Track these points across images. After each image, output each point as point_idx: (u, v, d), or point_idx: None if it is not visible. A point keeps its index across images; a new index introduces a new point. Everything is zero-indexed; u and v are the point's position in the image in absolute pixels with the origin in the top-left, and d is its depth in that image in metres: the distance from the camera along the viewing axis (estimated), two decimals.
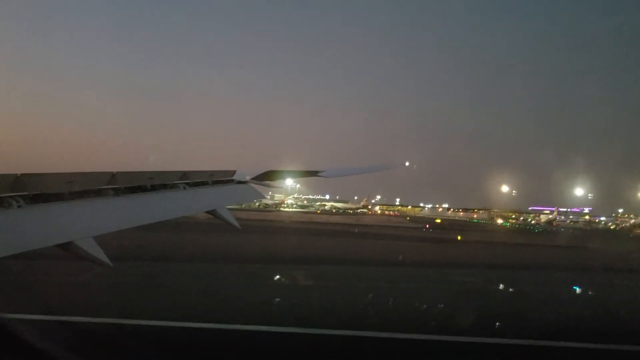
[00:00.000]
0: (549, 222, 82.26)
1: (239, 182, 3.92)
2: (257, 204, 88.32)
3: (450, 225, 60.32)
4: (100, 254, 2.45)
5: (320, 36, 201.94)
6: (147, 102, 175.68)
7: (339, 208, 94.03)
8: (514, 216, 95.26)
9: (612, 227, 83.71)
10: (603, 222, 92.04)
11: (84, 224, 2.51)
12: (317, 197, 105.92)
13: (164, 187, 3.16)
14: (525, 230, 65.11)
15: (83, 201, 2.59)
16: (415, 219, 73.76)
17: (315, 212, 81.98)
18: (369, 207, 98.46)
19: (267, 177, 4.05)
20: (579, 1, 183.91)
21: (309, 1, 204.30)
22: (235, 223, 3.45)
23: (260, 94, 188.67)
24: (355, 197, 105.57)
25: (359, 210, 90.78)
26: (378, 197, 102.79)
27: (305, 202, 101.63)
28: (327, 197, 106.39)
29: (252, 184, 3.97)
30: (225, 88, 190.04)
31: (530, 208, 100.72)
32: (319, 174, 4.37)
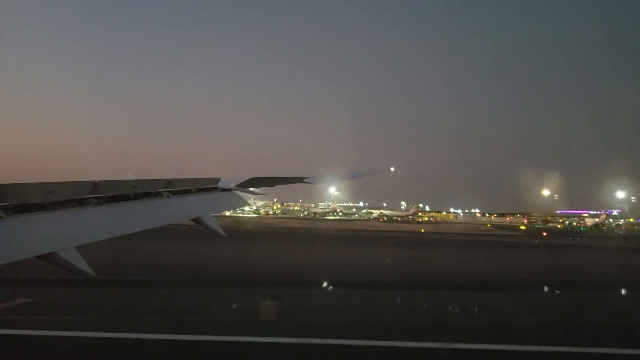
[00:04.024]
0: (596, 226, 75.74)
1: (224, 190, 3.91)
2: (305, 212, 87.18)
3: (555, 232, 55.53)
4: (83, 265, 2.41)
5: (303, 43, 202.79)
6: (129, 110, 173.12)
7: (387, 215, 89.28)
8: (561, 220, 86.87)
9: None
10: None
11: (66, 234, 2.47)
12: (349, 204, 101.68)
13: (148, 195, 3.13)
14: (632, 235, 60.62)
15: (65, 211, 2.55)
16: (498, 226, 69.21)
17: (379, 220, 78.95)
18: (419, 214, 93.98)
19: (252, 184, 4.04)
20: None
21: (291, 8, 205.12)
22: (220, 231, 3.43)
23: (242, 101, 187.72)
24: (384, 204, 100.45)
25: (409, 218, 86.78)
26: (403, 203, 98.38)
27: (354, 210, 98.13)
28: (361, 204, 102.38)
29: (236, 192, 3.96)
30: (208, 95, 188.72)
31: (558, 211, 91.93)
32: (304, 180, 4.39)
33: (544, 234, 53.23)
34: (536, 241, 41.40)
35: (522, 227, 69.29)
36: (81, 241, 2.47)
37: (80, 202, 2.66)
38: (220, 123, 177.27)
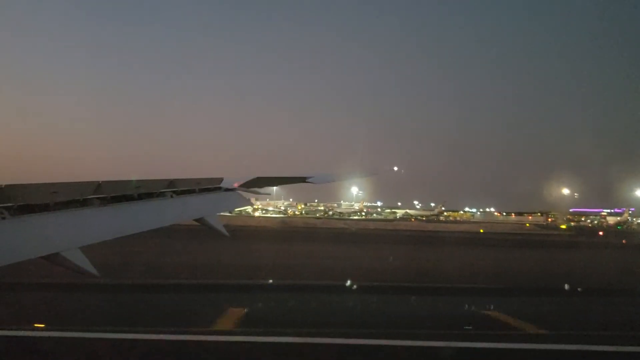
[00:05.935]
0: (619, 224, 73.23)
1: (227, 190, 3.95)
2: (330, 212, 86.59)
3: (611, 232, 51.31)
4: (87, 265, 2.46)
5: (305, 42, 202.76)
6: (133, 112, 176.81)
7: (411, 215, 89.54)
8: (582, 219, 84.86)
9: None
10: None
11: (70, 235, 2.51)
12: (369, 204, 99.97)
13: (151, 195, 3.17)
14: None
15: (69, 211, 2.59)
16: (537, 225, 66.60)
17: (411, 220, 78.13)
18: (443, 213, 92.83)
19: (255, 183, 4.07)
20: None
21: (291, 8, 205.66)
22: (224, 231, 3.46)
23: (244, 102, 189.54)
24: (399, 204, 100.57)
25: (433, 217, 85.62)
26: (416, 202, 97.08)
27: (379, 209, 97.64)
28: (379, 203, 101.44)
29: (239, 191, 4.00)
30: (211, 97, 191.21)
31: (571, 210, 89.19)
32: (307, 180, 4.38)
33: (601, 233, 49.52)
34: (624, 241, 37.63)
35: (563, 227, 66.31)
36: (85, 242, 2.52)
37: (84, 203, 2.71)
38: (224, 124, 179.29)
